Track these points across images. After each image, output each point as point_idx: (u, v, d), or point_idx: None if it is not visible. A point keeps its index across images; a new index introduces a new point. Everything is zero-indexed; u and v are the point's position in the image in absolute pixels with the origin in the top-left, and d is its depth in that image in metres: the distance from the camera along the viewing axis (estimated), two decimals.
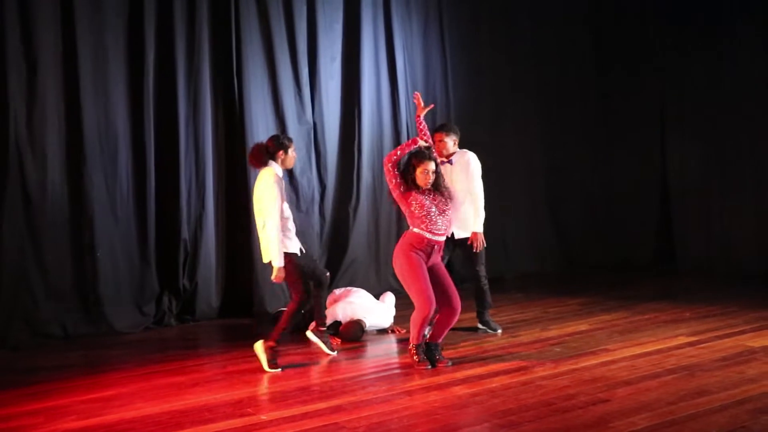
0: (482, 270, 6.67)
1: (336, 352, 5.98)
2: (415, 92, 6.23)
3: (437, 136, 6.49)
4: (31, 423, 4.56)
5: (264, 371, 5.51)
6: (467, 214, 6.48)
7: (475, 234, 6.47)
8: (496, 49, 10.20)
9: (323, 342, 5.96)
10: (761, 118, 9.41)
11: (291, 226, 5.74)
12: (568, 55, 10.85)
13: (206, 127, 7.82)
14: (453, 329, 5.86)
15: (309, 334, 6.04)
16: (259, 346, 5.59)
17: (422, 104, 5.93)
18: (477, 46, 10.05)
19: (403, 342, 6.32)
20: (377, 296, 7.26)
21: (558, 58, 10.75)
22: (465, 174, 6.53)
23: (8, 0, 6.79)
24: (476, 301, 6.73)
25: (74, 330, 7.00)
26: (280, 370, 5.54)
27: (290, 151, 5.76)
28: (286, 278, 5.63)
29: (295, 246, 5.70)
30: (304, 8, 8.46)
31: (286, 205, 5.71)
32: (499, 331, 6.66)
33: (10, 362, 6.23)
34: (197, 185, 7.78)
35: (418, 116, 5.89)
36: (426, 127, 5.82)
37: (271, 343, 5.60)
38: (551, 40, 10.69)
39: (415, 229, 5.45)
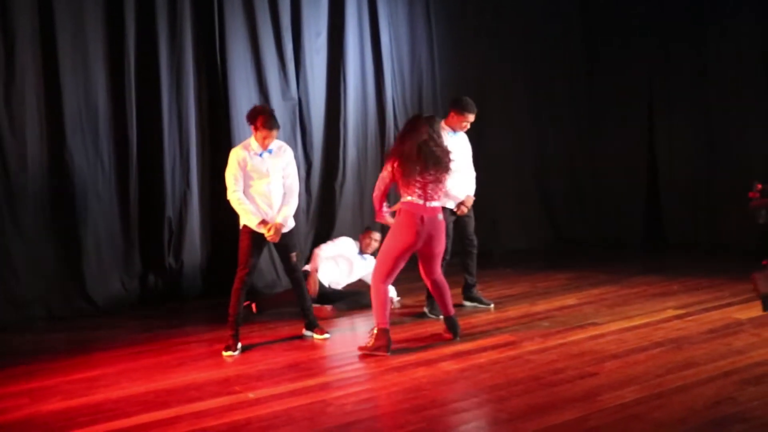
0: (474, 237, 6.71)
1: (329, 334, 5.94)
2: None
3: (471, 117, 6.42)
4: (16, 404, 4.57)
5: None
6: (465, 186, 6.51)
7: (470, 197, 6.51)
8: (483, 24, 10.17)
9: (315, 332, 5.97)
10: (748, 96, 9.45)
11: (260, 202, 5.72)
12: (557, 30, 10.82)
13: (189, 103, 7.77)
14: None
15: (304, 333, 6.02)
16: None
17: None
18: (464, 22, 10.02)
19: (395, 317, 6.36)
20: None
21: (546, 33, 10.72)
22: (465, 150, 6.57)
23: None
24: (464, 270, 6.76)
25: (58, 310, 7.01)
26: (231, 353, 5.51)
27: (258, 134, 5.59)
28: (239, 248, 5.69)
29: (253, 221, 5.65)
30: None
31: (258, 181, 5.68)
32: (491, 306, 6.71)
33: None
34: (181, 163, 7.75)
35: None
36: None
37: (230, 332, 5.64)
38: (539, 14, 10.66)
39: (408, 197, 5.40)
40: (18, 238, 6.90)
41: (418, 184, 5.34)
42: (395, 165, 5.36)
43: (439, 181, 5.41)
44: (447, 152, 5.46)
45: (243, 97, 7.98)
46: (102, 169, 7.35)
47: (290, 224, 5.87)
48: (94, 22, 7.29)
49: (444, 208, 6.32)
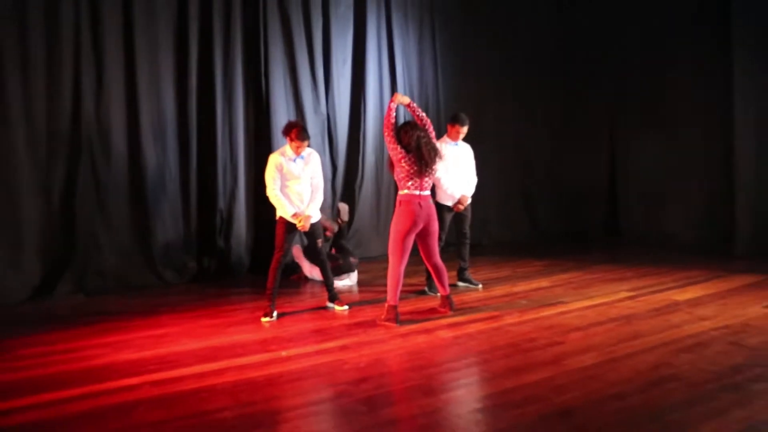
0: (468, 231, 6.74)
1: (348, 306, 5.92)
2: (395, 93, 6.07)
3: (462, 127, 6.41)
4: (100, 353, 4.67)
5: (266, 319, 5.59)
6: (461, 187, 6.51)
7: (465, 197, 6.50)
8: (479, 55, 10.15)
9: (335, 304, 5.98)
10: (694, 108, 9.43)
11: (294, 198, 5.74)
12: (538, 63, 10.81)
13: (238, 117, 7.81)
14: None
15: (327, 304, 6.04)
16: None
17: (398, 95, 5.55)
18: (462, 54, 10.01)
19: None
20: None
21: (528, 66, 10.69)
22: (466, 159, 6.59)
23: (83, 18, 6.84)
24: (459, 257, 6.76)
25: (134, 281, 7.08)
26: (268, 319, 5.55)
27: (292, 143, 5.62)
28: (276, 235, 5.73)
29: (288, 213, 5.69)
30: (320, 20, 8.45)
31: (292, 182, 5.69)
32: (480, 286, 6.71)
33: (84, 306, 6.32)
34: (231, 164, 7.79)
35: (409, 105, 5.51)
36: (417, 109, 5.50)
37: (267, 302, 5.67)
38: (525, 50, 10.65)
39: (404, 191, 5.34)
40: (103, 223, 6.97)
41: (416, 178, 5.27)
42: (403, 159, 5.26)
43: (431, 172, 5.33)
44: (436, 146, 5.39)
45: (282, 112, 8.03)
46: (168, 168, 7.41)
47: (317, 216, 5.88)
48: (165, 51, 7.37)
49: (443, 205, 6.38)
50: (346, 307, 5.93)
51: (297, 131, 5.65)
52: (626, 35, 10.18)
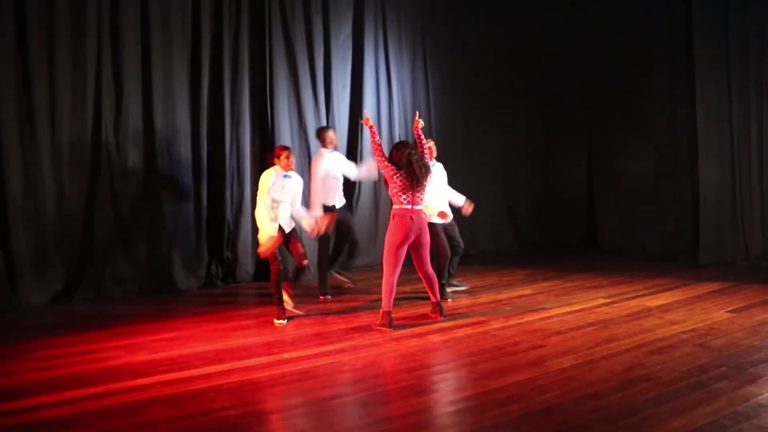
0: (461, 241, 6.72)
1: (286, 321, 5.56)
2: (417, 111, 6.25)
3: (431, 142, 6.48)
4: (115, 355, 4.66)
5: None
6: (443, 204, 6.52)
7: (467, 206, 6.66)
8: (466, 80, 10.21)
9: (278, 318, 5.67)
10: (661, 124, 9.51)
11: (280, 212, 5.66)
12: (519, 84, 10.85)
13: (245, 136, 7.82)
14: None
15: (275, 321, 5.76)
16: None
17: (419, 121, 5.69)
18: (451, 79, 10.05)
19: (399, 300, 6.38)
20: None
21: (510, 87, 10.73)
22: (441, 177, 6.60)
23: (104, 43, 6.89)
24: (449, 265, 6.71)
25: (147, 287, 7.06)
26: (281, 322, 5.55)
27: (281, 159, 5.65)
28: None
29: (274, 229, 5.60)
30: (322, 48, 8.49)
31: (277, 195, 5.62)
32: (452, 289, 6.66)
33: (101, 310, 6.29)
34: (238, 180, 7.79)
35: (416, 128, 5.62)
36: (422, 136, 5.62)
37: (276, 308, 5.64)
38: (506, 72, 10.69)
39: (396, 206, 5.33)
40: (119, 233, 6.97)
41: (409, 193, 5.27)
42: (395, 175, 5.27)
43: (422, 188, 5.33)
44: (427, 163, 5.40)
45: (286, 132, 8.02)
46: (181, 182, 7.40)
47: (292, 224, 5.81)
48: (180, 75, 7.40)
49: (432, 223, 6.24)
50: (284, 321, 5.59)
51: (281, 147, 5.80)
52: (601, 54, 10.24)
